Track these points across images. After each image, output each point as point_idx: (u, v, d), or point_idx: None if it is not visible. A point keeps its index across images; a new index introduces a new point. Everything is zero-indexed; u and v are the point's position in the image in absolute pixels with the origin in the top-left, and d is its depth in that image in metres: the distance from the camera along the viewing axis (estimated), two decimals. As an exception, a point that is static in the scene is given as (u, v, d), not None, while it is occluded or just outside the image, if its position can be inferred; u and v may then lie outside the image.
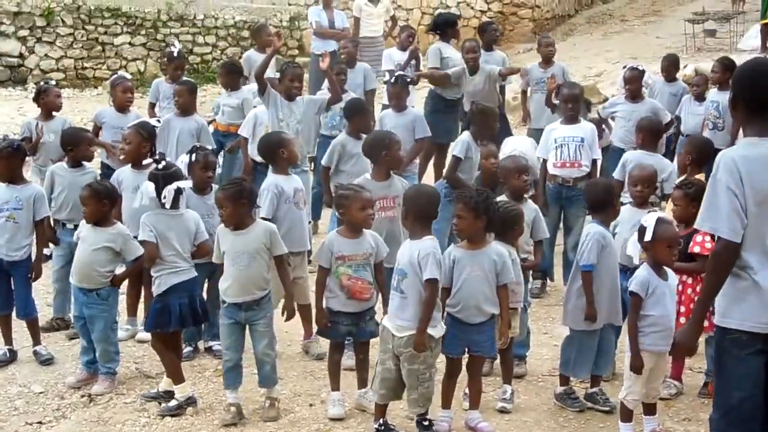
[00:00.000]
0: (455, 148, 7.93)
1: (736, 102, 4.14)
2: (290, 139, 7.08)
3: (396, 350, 5.42)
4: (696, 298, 4.95)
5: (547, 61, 10.79)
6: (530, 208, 6.65)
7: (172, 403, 5.90)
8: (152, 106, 10.39)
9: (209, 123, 9.71)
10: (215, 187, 6.66)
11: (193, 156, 6.72)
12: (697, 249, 6.04)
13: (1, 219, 6.64)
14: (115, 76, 9.59)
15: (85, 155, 7.40)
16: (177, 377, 6.00)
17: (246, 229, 5.79)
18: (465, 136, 7.94)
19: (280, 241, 5.90)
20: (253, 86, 9.68)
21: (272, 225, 6.05)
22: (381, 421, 5.52)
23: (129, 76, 9.97)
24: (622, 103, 9.41)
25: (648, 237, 5.43)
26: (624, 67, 9.93)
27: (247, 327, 5.89)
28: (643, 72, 9.57)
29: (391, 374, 5.47)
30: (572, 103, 8.35)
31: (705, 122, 9.79)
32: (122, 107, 8.99)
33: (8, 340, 6.79)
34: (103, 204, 6.18)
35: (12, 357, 6.73)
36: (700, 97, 10.08)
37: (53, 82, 9.55)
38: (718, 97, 9.77)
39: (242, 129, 9.12)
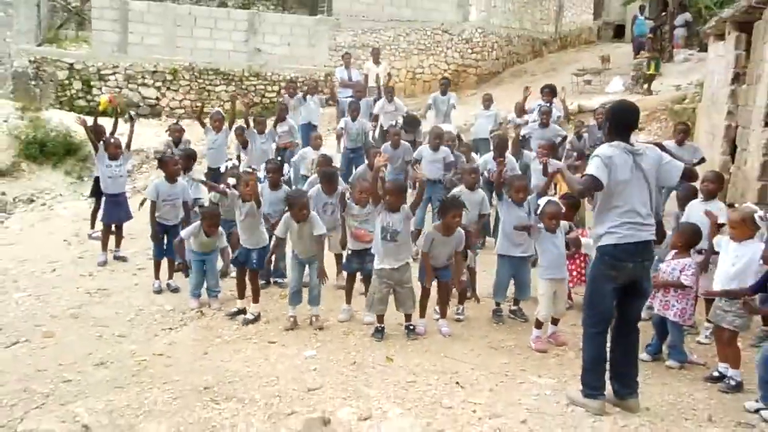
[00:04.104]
0: None
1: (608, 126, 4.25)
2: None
3: (395, 279, 5.46)
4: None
5: (486, 107, 10.98)
6: (480, 195, 6.58)
7: (250, 316, 5.91)
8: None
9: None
10: (284, 186, 6.87)
11: (268, 165, 6.90)
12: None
13: (168, 205, 6.90)
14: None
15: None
16: (257, 299, 6.02)
17: (304, 222, 5.73)
18: None
19: (319, 224, 5.77)
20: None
21: (316, 216, 5.85)
22: (381, 325, 5.58)
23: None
24: (537, 129, 9.32)
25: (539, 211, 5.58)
26: (538, 105, 9.86)
27: (307, 266, 5.90)
28: (551, 110, 9.45)
29: (384, 296, 5.52)
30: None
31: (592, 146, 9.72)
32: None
33: (157, 276, 6.83)
34: None
35: (159, 288, 6.73)
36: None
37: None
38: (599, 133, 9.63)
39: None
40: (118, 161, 7.79)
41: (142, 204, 7.62)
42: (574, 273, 6.24)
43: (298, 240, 5.80)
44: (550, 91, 10.02)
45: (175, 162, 7.03)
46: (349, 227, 6.08)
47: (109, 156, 7.75)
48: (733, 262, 4.85)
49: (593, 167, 4.05)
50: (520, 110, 10.33)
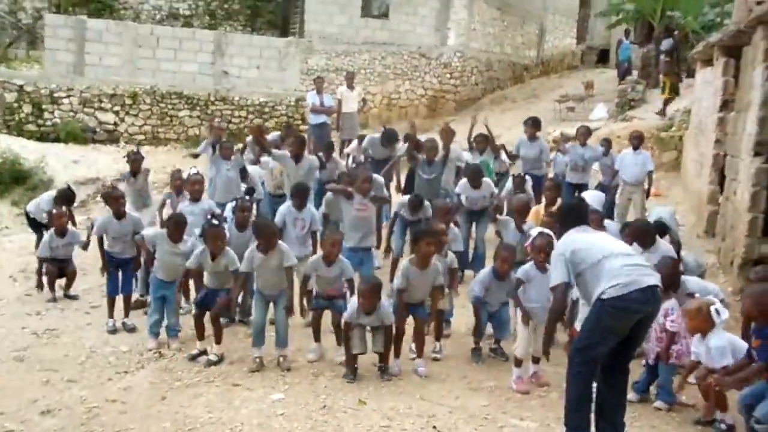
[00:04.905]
0: None
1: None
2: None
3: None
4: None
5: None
6: (454, 232, 6.83)
7: (213, 357, 5.85)
8: (196, 155, 10.42)
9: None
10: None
11: (238, 203, 6.81)
12: None
13: (118, 243, 6.80)
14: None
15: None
16: (220, 339, 5.95)
17: (272, 252, 5.75)
18: None
19: (290, 254, 5.79)
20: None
21: (285, 246, 5.88)
22: (354, 365, 5.57)
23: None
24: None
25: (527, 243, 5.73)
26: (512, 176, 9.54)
27: (272, 303, 5.90)
28: (525, 179, 9.13)
29: (362, 332, 5.57)
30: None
31: (572, 166, 9.90)
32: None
33: (111, 315, 6.72)
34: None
35: (113, 328, 6.63)
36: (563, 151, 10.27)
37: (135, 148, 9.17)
38: (581, 150, 9.90)
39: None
40: (65, 239, 7.73)
41: (86, 248, 7.81)
42: None
43: (264, 273, 5.79)
44: (533, 124, 9.92)
45: (120, 198, 6.83)
46: (318, 285, 6.03)
47: (57, 232, 7.70)
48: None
49: (553, 270, 4.38)
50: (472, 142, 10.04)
